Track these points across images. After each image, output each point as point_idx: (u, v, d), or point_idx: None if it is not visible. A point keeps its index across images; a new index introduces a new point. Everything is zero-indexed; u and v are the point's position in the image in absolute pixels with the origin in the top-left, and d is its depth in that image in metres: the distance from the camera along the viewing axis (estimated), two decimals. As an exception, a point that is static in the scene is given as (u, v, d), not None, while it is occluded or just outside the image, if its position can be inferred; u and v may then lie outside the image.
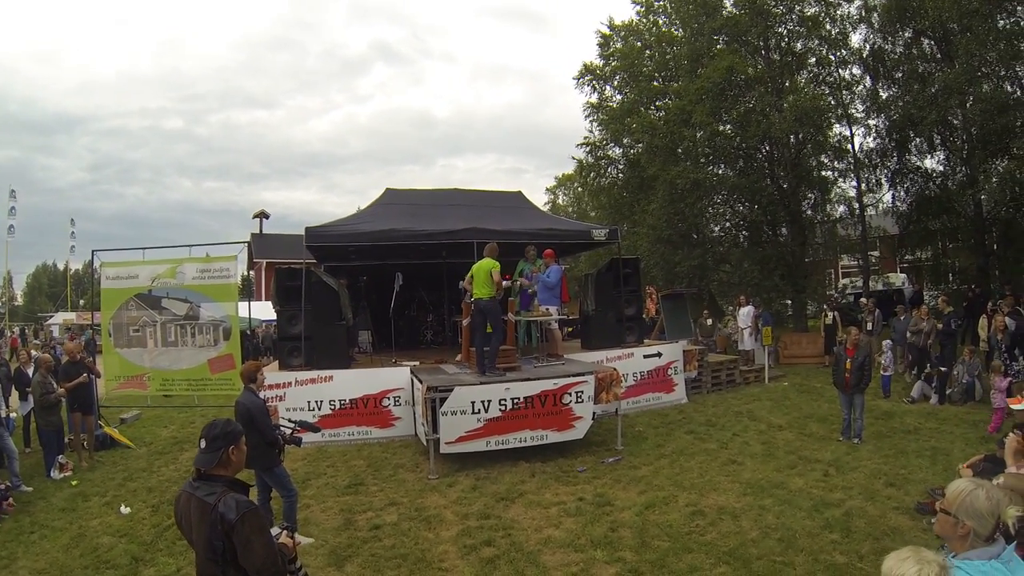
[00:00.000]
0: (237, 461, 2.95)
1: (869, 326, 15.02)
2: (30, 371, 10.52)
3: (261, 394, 6.18)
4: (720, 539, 5.79)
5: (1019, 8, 16.01)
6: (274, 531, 3.26)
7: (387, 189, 13.34)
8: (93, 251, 12.26)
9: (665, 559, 5.42)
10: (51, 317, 43.70)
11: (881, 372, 12.45)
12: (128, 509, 7.34)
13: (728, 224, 22.96)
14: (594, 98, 25.98)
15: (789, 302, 20.96)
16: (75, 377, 9.50)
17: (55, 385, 9.15)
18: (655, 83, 24.25)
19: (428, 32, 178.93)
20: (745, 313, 16.31)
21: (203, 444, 2.89)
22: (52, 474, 8.87)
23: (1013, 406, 4.99)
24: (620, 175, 25.90)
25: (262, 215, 38.68)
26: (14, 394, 10.49)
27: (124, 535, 6.56)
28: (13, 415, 10.12)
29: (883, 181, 20.86)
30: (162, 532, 6.44)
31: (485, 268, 8.96)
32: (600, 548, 5.67)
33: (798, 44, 20.38)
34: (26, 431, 10.72)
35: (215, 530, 2.69)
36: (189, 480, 2.95)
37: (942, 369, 11.83)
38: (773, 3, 19.62)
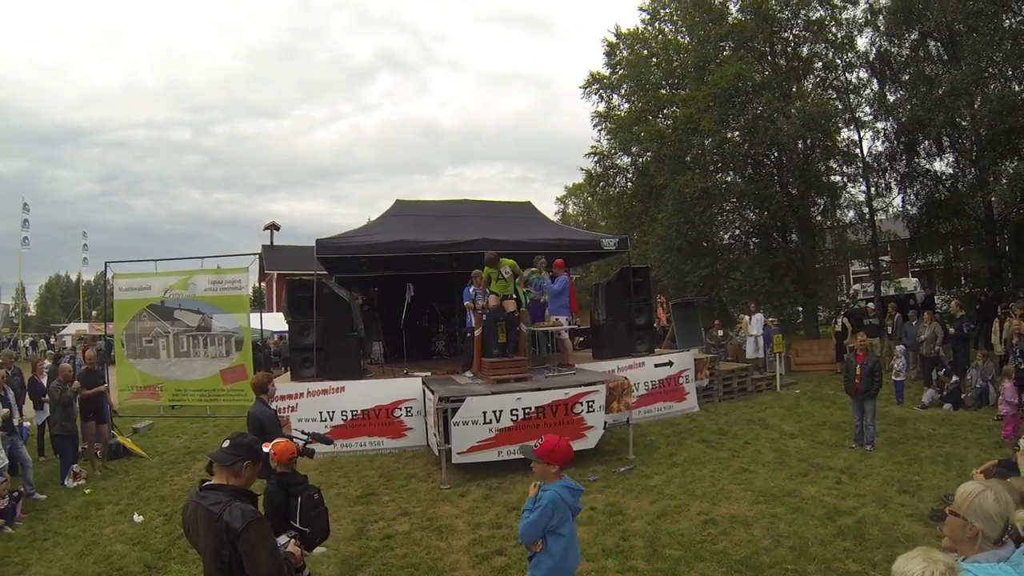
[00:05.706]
0: (249, 477, 2.99)
1: (889, 330, 14.92)
2: (44, 380, 10.64)
3: (272, 405, 6.23)
4: (732, 548, 5.76)
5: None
6: (282, 540, 3.28)
7: (397, 200, 13.45)
8: (106, 263, 12.44)
9: (677, 568, 5.40)
10: (64, 328, 44.08)
11: (893, 377, 12.36)
12: (141, 517, 7.40)
13: (738, 231, 22.89)
14: (601, 107, 25.95)
15: (800, 308, 20.85)
16: (94, 385, 9.58)
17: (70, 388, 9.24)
18: (662, 91, 24.18)
19: (433, 39, 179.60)
20: (756, 321, 16.24)
21: (227, 443, 2.95)
22: (66, 482, 8.96)
23: None
24: (629, 184, 25.85)
25: (273, 227, 38.95)
26: (28, 403, 10.60)
27: (137, 543, 6.61)
28: (27, 424, 10.23)
29: (892, 185, 20.76)
30: (174, 540, 6.48)
31: (508, 264, 9.36)
32: (612, 557, 5.65)
33: (804, 49, 20.38)
34: (40, 440, 10.85)
35: (221, 539, 2.74)
36: (196, 489, 2.99)
37: (954, 378, 11.75)
38: (779, 8, 19.63)
